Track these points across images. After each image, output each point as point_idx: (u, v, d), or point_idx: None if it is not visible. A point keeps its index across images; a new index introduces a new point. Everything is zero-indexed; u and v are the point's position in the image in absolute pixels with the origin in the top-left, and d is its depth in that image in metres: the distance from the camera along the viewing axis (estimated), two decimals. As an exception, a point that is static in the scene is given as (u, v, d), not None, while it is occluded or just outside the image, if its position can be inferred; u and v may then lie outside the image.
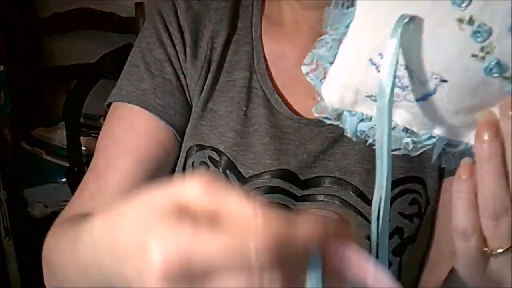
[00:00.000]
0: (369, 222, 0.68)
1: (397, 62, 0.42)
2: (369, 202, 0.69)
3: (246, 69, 0.73)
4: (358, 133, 0.49)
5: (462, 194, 0.45)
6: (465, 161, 0.45)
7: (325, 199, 0.70)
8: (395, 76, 0.42)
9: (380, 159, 0.44)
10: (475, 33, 0.39)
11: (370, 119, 0.48)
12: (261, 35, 0.74)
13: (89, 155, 1.80)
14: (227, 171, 0.70)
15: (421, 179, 0.71)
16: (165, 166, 0.73)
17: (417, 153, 0.48)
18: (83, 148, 1.51)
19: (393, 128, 0.47)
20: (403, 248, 0.70)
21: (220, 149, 0.71)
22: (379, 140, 0.44)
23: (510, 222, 0.44)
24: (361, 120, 0.48)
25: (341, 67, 0.47)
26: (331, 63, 0.48)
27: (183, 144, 0.73)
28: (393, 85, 0.42)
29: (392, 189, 0.70)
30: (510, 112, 0.42)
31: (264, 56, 0.74)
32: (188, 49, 0.73)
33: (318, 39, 0.48)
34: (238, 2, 0.77)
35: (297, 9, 0.72)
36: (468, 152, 0.46)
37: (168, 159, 0.73)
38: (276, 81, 0.73)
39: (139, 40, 0.76)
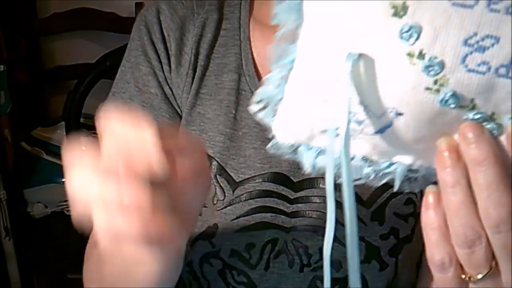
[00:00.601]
0: (365, 224, 0.69)
1: (349, 100, 0.40)
2: (364, 204, 0.69)
3: (234, 71, 0.72)
4: (316, 167, 0.48)
5: (433, 225, 0.43)
6: (430, 189, 0.43)
7: (319, 201, 0.69)
8: (349, 116, 0.41)
9: (330, 200, 0.43)
10: (427, 68, 0.38)
11: None
12: (249, 36, 0.74)
13: (89, 155, 1.80)
14: (218, 176, 0.70)
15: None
16: None
17: (380, 183, 0.47)
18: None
19: (352, 158, 0.46)
20: (399, 248, 0.70)
21: (210, 153, 0.71)
22: (329, 181, 0.43)
23: (485, 248, 0.42)
24: (319, 153, 0.47)
25: (291, 103, 0.46)
26: (281, 99, 0.47)
27: None
28: (348, 127, 0.41)
29: (387, 189, 0.70)
30: (470, 135, 0.40)
31: (253, 58, 0.73)
32: (172, 58, 0.73)
33: (264, 77, 0.47)
34: (223, 3, 0.76)
35: None
36: (430, 176, 0.45)
37: None
38: None
39: (128, 53, 0.76)
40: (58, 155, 1.82)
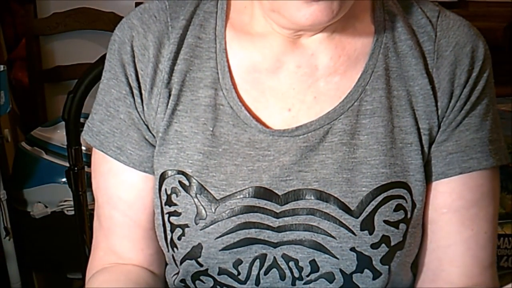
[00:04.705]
0: (354, 234, 0.67)
1: None
2: (352, 213, 0.67)
3: (210, 87, 0.70)
4: None
5: None
6: None
7: (306, 213, 0.68)
8: None
9: None
10: None
11: None
12: (225, 48, 0.71)
13: (89, 155, 1.80)
14: (198, 196, 0.69)
15: (405, 183, 0.69)
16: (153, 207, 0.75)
17: None
18: (83, 148, 1.51)
19: None
20: (391, 256, 0.69)
21: (188, 172, 0.69)
22: None
23: None
24: None
25: None
26: None
27: (155, 172, 0.72)
28: None
29: (375, 196, 0.68)
30: None
31: (230, 71, 0.70)
32: (146, 79, 0.71)
33: None
34: (196, 10, 0.72)
35: (274, 26, 0.68)
36: None
37: (151, 199, 0.74)
38: (246, 95, 0.70)
39: (103, 74, 0.74)
40: (58, 155, 1.82)
